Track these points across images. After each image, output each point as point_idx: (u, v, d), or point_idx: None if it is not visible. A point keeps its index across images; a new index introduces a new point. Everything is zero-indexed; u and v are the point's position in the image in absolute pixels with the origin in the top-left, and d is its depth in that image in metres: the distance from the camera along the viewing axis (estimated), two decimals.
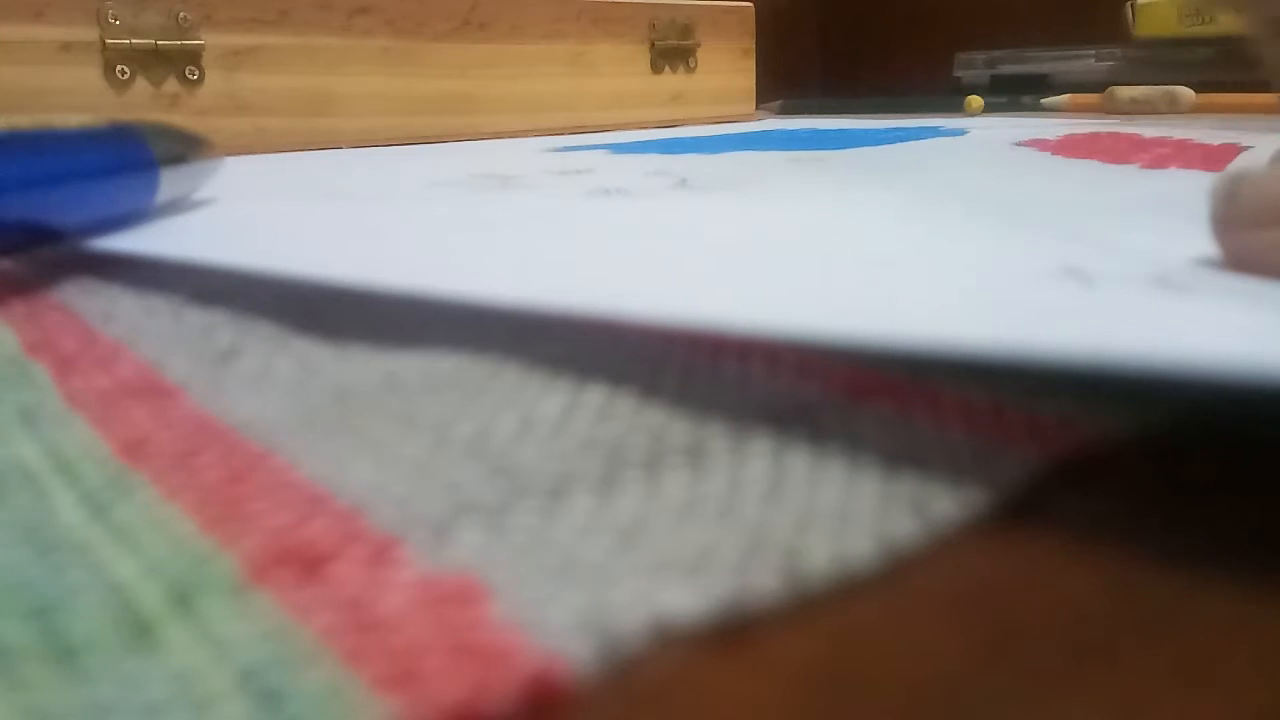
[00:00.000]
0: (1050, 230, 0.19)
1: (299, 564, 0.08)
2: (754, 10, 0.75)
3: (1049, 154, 0.36)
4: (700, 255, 0.17)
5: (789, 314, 0.12)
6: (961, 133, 0.50)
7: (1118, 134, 0.46)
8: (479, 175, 0.34)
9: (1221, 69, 0.63)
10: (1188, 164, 0.32)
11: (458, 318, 0.15)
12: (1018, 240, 0.18)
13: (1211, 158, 0.33)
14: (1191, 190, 0.26)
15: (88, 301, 0.18)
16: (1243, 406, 0.11)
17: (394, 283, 0.15)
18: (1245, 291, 0.13)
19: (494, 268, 0.16)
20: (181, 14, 0.47)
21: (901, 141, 0.45)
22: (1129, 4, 0.70)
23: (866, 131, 0.54)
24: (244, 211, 0.25)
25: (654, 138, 0.55)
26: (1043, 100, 0.66)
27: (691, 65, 0.71)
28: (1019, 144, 0.41)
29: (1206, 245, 0.16)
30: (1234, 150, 0.35)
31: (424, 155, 0.46)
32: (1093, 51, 0.72)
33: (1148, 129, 0.47)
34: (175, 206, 0.25)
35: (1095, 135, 0.45)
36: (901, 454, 0.10)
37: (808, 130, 0.58)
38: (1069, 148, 0.38)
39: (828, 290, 0.14)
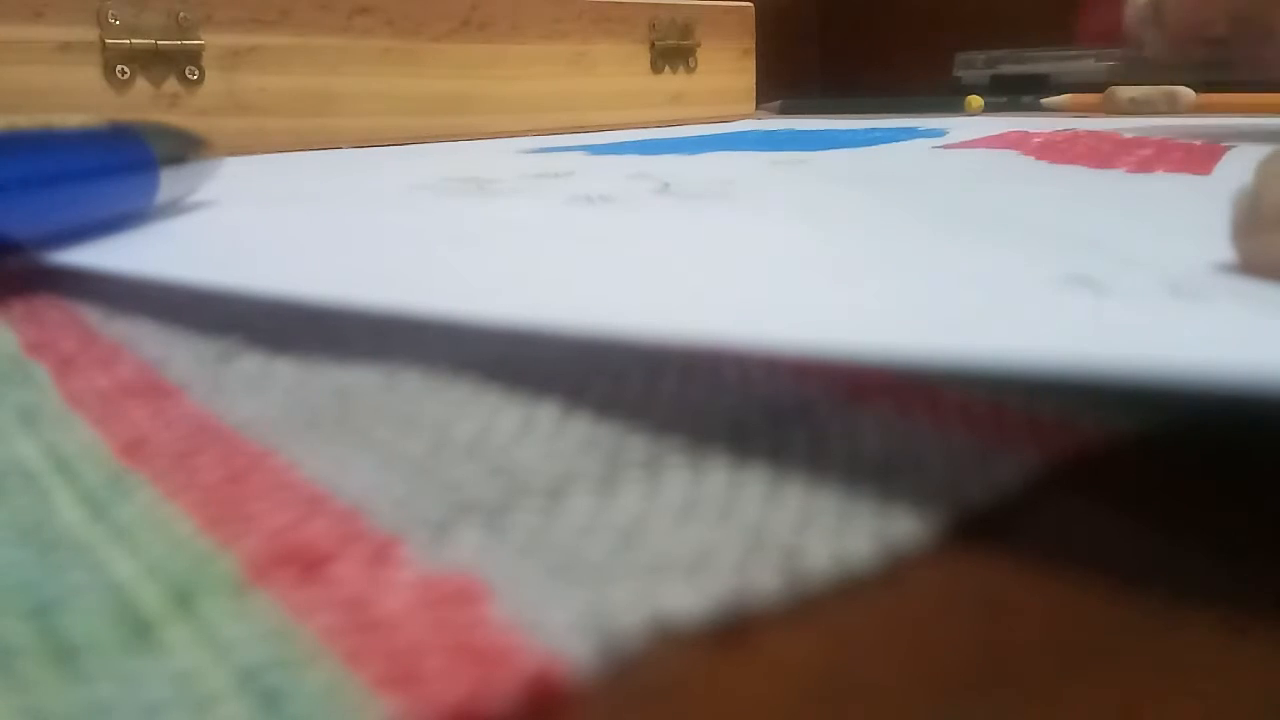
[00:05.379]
0: (1050, 236, 0.19)
1: (299, 564, 0.08)
2: (754, 10, 0.75)
3: (1031, 158, 0.36)
4: (690, 266, 0.17)
5: (791, 328, 0.12)
6: (941, 133, 0.50)
7: (1098, 134, 0.46)
8: (456, 179, 0.34)
9: (1221, 69, 0.63)
10: (1173, 167, 0.32)
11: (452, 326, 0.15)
12: (1018, 249, 0.18)
13: (1195, 159, 0.33)
14: (1185, 194, 0.26)
15: (88, 301, 0.18)
16: (1243, 407, 0.11)
17: (370, 303, 0.14)
18: (1262, 297, 0.13)
19: (476, 284, 0.16)
20: (181, 14, 0.47)
21: (882, 144, 0.45)
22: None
23: (847, 132, 0.54)
24: (233, 218, 0.25)
25: (633, 138, 0.55)
26: (1043, 100, 0.66)
27: (691, 65, 0.71)
28: (997, 148, 0.41)
29: (1215, 250, 0.15)
30: (1216, 151, 0.35)
31: (423, 156, 0.46)
32: (1093, 51, 0.72)
33: (1126, 130, 0.47)
34: (175, 206, 0.25)
35: (1075, 136, 0.45)
36: (901, 454, 0.10)
37: (786, 131, 0.58)
38: (1050, 152, 0.38)
39: (833, 302, 0.14)
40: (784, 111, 0.78)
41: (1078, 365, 0.09)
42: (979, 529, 0.09)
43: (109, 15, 0.45)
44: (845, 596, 0.08)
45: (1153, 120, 0.56)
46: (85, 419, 0.12)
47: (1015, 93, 0.70)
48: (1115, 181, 0.29)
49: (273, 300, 0.15)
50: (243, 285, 0.16)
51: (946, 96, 0.72)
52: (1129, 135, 0.44)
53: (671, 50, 0.69)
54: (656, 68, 0.69)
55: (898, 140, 0.47)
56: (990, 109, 0.68)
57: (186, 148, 0.25)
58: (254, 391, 0.13)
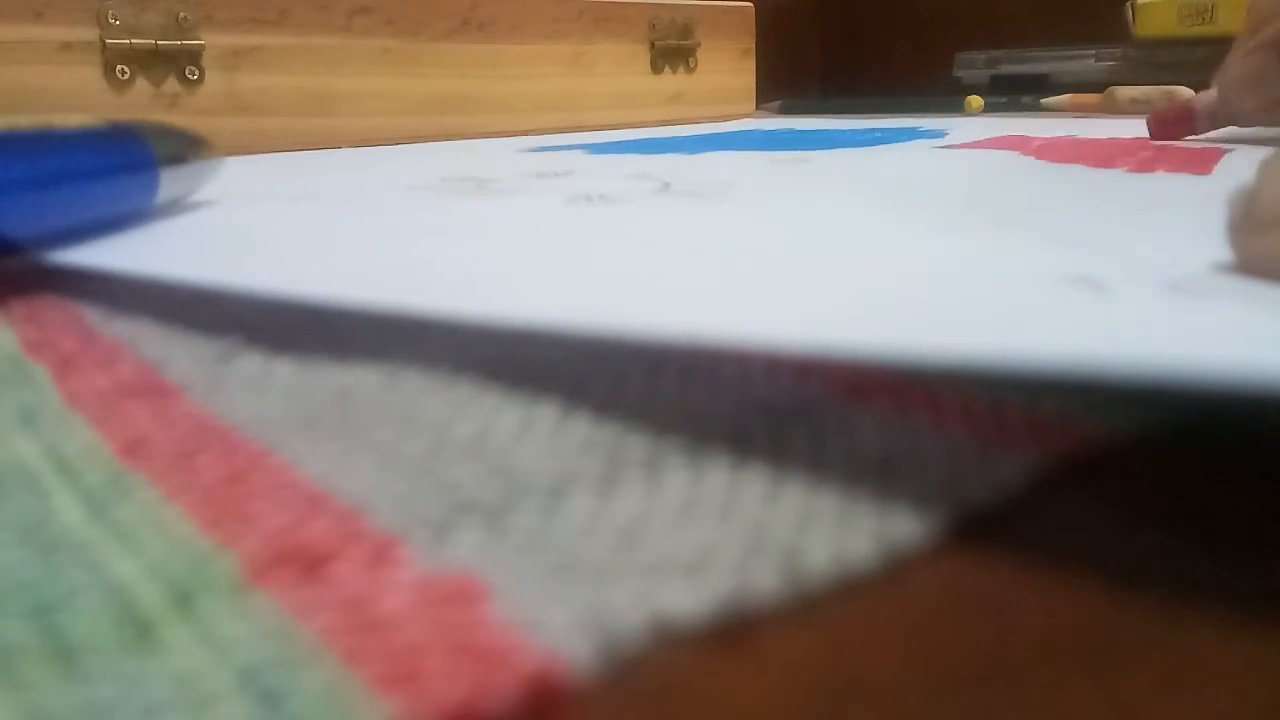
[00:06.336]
0: (1051, 236, 0.19)
1: (299, 564, 0.08)
2: (754, 10, 0.75)
3: (1032, 158, 0.36)
4: (695, 265, 0.17)
5: (793, 325, 0.12)
6: (941, 134, 0.50)
7: (1099, 139, 0.46)
8: (456, 179, 0.34)
9: None
10: (1174, 167, 0.32)
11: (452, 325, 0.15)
12: (1019, 247, 0.18)
13: (1195, 160, 0.33)
14: (1186, 194, 0.26)
15: (88, 301, 0.18)
16: (1243, 407, 0.11)
17: (370, 303, 0.14)
18: (1263, 297, 0.13)
19: (477, 283, 0.16)
20: (181, 14, 0.47)
21: (882, 144, 0.45)
22: (1129, 4, 0.70)
23: (847, 132, 0.54)
24: (233, 218, 0.25)
25: (633, 138, 0.55)
26: (1043, 100, 0.66)
27: (691, 65, 0.71)
28: (997, 149, 0.41)
29: (1215, 249, 0.15)
30: (1216, 153, 0.35)
31: (423, 155, 0.46)
32: (1093, 51, 0.72)
33: (1126, 131, 0.47)
34: (175, 206, 0.25)
35: (1075, 138, 0.45)
36: (901, 454, 0.10)
37: (786, 131, 0.58)
38: (1051, 151, 0.38)
39: (835, 301, 0.14)
40: (784, 111, 0.78)
41: (1078, 365, 0.09)
42: (979, 529, 0.09)
43: (109, 15, 0.45)
44: (845, 596, 0.08)
45: None
46: (85, 419, 0.12)
47: (1015, 93, 0.70)
48: (1116, 181, 0.29)
49: (273, 300, 0.15)
50: (243, 285, 0.16)
51: (946, 96, 0.72)
52: (1129, 138, 0.44)
53: (671, 50, 0.69)
54: (656, 68, 0.69)
55: (898, 140, 0.47)
56: (990, 109, 0.68)
57: (186, 148, 0.25)
58: (254, 391, 0.13)
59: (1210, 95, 0.40)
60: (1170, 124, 0.42)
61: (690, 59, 0.71)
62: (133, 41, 0.46)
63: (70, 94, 0.44)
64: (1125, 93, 0.62)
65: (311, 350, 0.15)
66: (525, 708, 0.06)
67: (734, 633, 0.07)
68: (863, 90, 0.92)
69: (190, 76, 0.48)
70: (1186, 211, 0.23)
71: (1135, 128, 0.46)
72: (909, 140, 0.47)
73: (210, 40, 0.48)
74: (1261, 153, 0.18)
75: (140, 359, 0.15)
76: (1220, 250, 0.15)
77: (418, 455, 0.11)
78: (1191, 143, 0.40)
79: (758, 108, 0.77)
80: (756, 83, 0.77)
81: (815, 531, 0.09)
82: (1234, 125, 0.40)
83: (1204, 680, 0.07)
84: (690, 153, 0.43)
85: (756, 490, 0.10)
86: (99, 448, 0.11)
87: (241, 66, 0.49)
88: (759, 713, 0.07)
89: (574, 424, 0.11)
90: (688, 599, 0.08)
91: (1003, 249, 0.18)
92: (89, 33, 0.45)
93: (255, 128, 0.50)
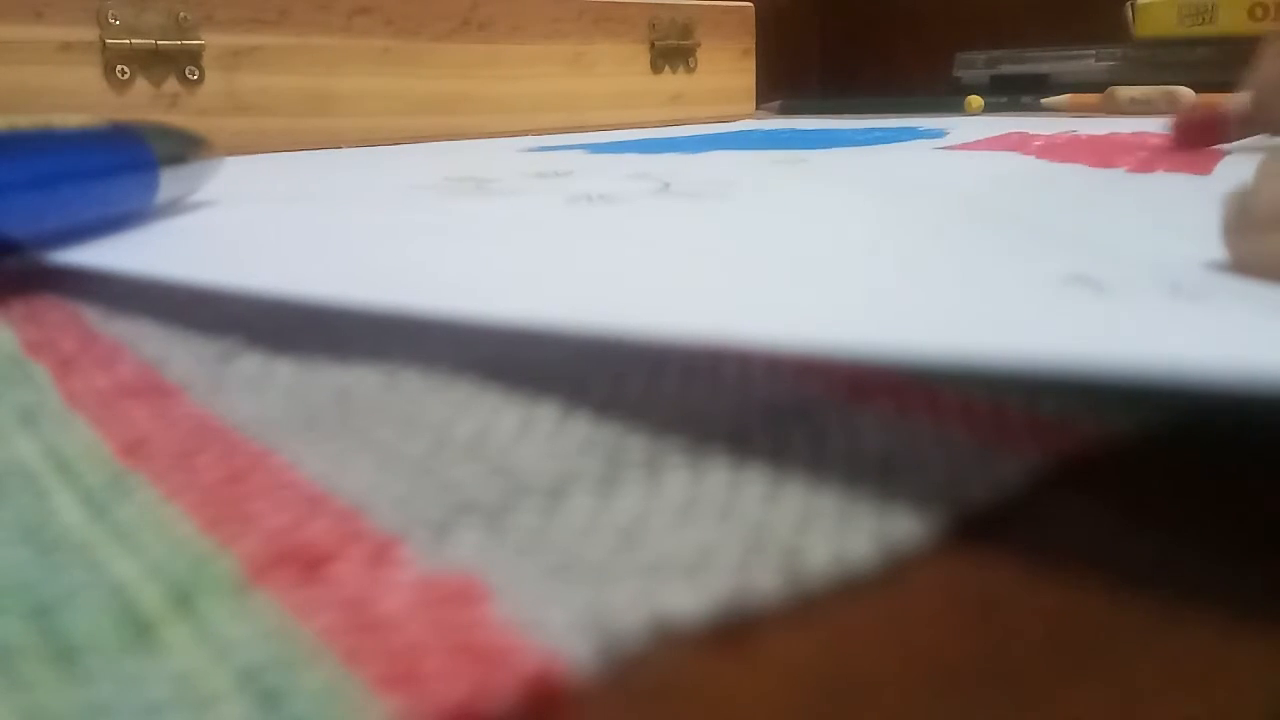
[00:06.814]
0: (1051, 236, 0.19)
1: (299, 564, 0.08)
2: (754, 10, 0.75)
3: (1032, 157, 0.36)
4: (690, 265, 0.17)
5: (793, 325, 0.12)
6: (941, 134, 0.50)
7: (1098, 136, 0.46)
8: (456, 179, 0.34)
9: (1221, 69, 0.63)
10: (1174, 167, 0.32)
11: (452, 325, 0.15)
12: (1019, 247, 0.18)
13: (1195, 160, 0.33)
14: (1185, 194, 0.26)
15: (88, 301, 0.18)
16: (1242, 407, 0.11)
17: (370, 303, 0.14)
18: (1262, 297, 0.13)
19: (477, 283, 0.16)
20: (181, 14, 0.47)
21: (882, 144, 0.45)
22: (1129, 4, 0.70)
23: (847, 132, 0.54)
24: (233, 218, 0.25)
25: (633, 138, 0.55)
26: (1043, 100, 0.66)
27: (691, 65, 0.71)
28: (997, 149, 0.41)
29: (1215, 249, 0.15)
30: (1216, 153, 0.35)
31: (423, 155, 0.46)
32: (1093, 51, 0.72)
33: (1126, 130, 0.47)
34: (175, 206, 0.25)
35: (1076, 138, 0.45)
36: (901, 454, 0.10)
37: (786, 131, 0.58)
38: (1051, 151, 0.38)
39: (834, 301, 0.14)
40: (784, 111, 0.78)
41: (1078, 365, 0.09)
42: (979, 529, 0.09)
43: (109, 15, 0.45)
44: (845, 596, 0.08)
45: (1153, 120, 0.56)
46: (85, 419, 0.12)
47: (1015, 93, 0.70)
48: (1116, 181, 0.29)
49: (273, 300, 0.15)
50: (243, 285, 0.16)
51: (946, 96, 0.72)
52: (1128, 132, 0.44)
53: (671, 50, 0.69)
54: (656, 68, 0.69)
55: (898, 140, 0.47)
56: (990, 109, 0.68)
57: (186, 148, 0.25)
58: (254, 391, 0.13)
59: (1242, 99, 0.36)
60: (1198, 131, 0.38)
61: (690, 59, 0.71)
62: (133, 41, 0.46)
63: (70, 94, 0.44)
64: (1125, 93, 0.62)
65: (311, 350, 0.15)
66: (525, 708, 0.06)
67: (734, 633, 0.07)
68: (862, 90, 0.92)
69: (190, 76, 0.48)
70: (1186, 211, 0.23)
71: (1135, 128, 0.46)
72: (909, 140, 0.47)
73: (210, 40, 0.48)
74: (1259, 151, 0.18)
75: (140, 359, 0.15)
76: (1219, 250, 0.15)
77: (418, 455, 0.11)
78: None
79: (758, 108, 0.77)
80: (756, 83, 0.77)
81: (815, 531, 0.09)
82: (1269, 132, 0.36)
83: (1204, 680, 0.07)
84: (690, 153, 0.43)
85: (756, 490, 0.10)
86: (99, 448, 0.11)
87: (241, 66, 0.49)
88: (759, 713, 0.07)
89: (574, 424, 0.11)
90: (688, 599, 0.08)
91: (1003, 249, 0.18)
92: (89, 33, 0.45)
93: (255, 128, 0.50)
